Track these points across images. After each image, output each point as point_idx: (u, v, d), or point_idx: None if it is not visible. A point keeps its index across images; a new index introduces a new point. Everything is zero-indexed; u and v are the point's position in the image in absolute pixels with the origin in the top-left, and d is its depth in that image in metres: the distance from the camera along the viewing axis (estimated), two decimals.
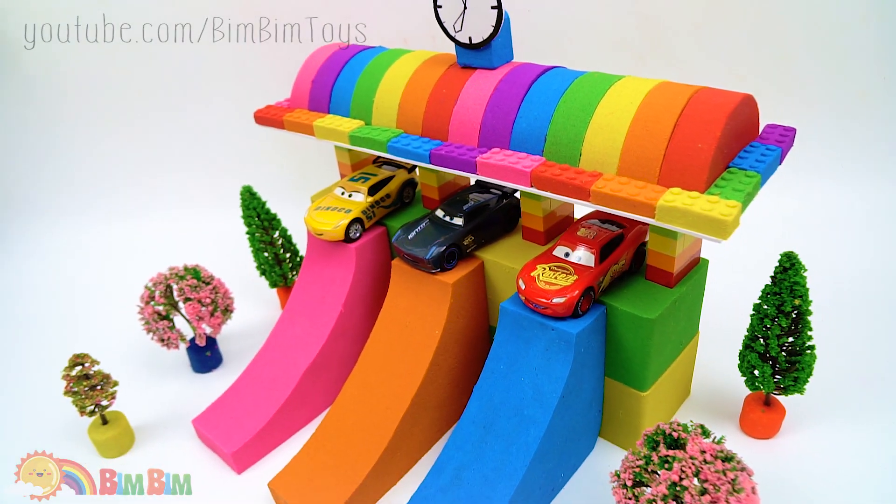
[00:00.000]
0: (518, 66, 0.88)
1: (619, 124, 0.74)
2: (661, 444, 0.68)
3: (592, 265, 0.79)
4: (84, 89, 1.56)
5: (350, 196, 1.02)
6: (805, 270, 0.79)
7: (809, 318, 0.81)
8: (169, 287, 1.07)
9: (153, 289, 1.07)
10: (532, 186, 0.78)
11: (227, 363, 1.16)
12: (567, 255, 0.82)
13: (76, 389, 0.92)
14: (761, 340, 0.84)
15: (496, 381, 0.83)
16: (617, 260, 0.81)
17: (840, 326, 1.08)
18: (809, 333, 0.82)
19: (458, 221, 0.92)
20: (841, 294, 1.16)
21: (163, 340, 1.07)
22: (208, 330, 1.09)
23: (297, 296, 1.06)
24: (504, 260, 0.90)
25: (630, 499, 0.67)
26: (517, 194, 0.98)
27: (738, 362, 0.88)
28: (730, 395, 0.97)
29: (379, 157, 1.14)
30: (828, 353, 0.97)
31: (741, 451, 0.71)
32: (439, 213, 0.95)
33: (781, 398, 0.92)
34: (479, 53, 0.88)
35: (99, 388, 0.94)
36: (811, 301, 0.80)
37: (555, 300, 0.76)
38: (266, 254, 1.20)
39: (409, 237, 0.93)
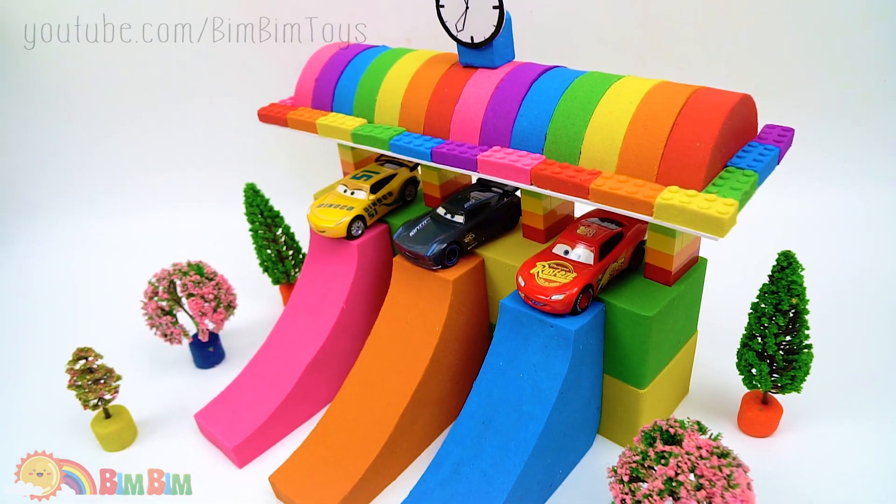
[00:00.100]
0: (519, 65, 0.89)
1: (619, 123, 0.74)
2: (658, 440, 0.69)
3: (591, 263, 0.80)
4: (86, 88, 1.57)
5: (352, 194, 1.03)
6: (802, 270, 0.80)
7: (807, 317, 0.82)
8: (172, 283, 1.08)
9: (157, 284, 1.08)
10: (532, 184, 0.78)
11: (230, 359, 1.17)
12: (566, 252, 0.83)
13: (80, 383, 0.93)
14: (759, 339, 0.85)
15: (495, 378, 0.83)
16: (616, 258, 0.82)
17: (838, 326, 1.08)
18: (807, 332, 0.82)
19: (460, 219, 0.93)
20: (839, 294, 1.16)
21: (166, 336, 1.08)
22: (211, 326, 1.10)
23: (299, 292, 1.07)
24: (504, 257, 0.91)
25: (626, 494, 0.68)
26: (518, 193, 0.99)
27: (736, 361, 0.88)
28: (728, 393, 0.98)
29: (381, 155, 1.15)
30: (826, 352, 0.97)
31: (739, 450, 0.72)
32: (441, 210, 0.96)
33: (779, 397, 0.93)
34: (480, 53, 0.89)
35: (102, 381, 0.95)
36: (808, 300, 0.81)
37: (554, 297, 0.77)
38: (269, 251, 1.21)
39: (411, 234, 0.93)
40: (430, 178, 1.03)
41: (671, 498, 0.65)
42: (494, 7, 0.83)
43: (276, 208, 1.20)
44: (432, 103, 0.92)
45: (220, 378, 1.11)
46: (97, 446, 1.00)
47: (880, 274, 1.22)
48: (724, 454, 0.66)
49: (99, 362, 0.95)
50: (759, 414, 0.89)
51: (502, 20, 0.84)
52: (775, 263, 0.80)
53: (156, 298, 1.07)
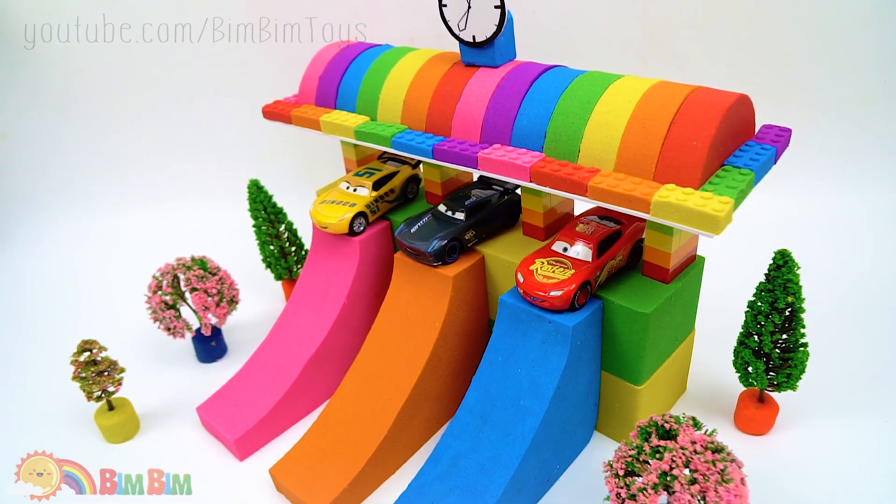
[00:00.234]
0: (520, 64, 0.90)
1: (617, 122, 0.75)
2: (654, 435, 0.70)
3: (590, 260, 0.81)
4: (87, 87, 1.58)
5: (355, 190, 1.04)
6: (798, 268, 0.80)
7: (803, 315, 0.82)
8: (176, 277, 1.09)
9: (161, 278, 1.09)
10: (531, 181, 0.79)
11: (232, 353, 1.18)
12: (565, 249, 0.84)
13: (84, 375, 0.94)
14: (755, 337, 0.85)
15: (494, 372, 0.84)
16: (614, 255, 0.83)
17: (835, 326, 1.09)
18: (802, 331, 0.83)
19: (460, 216, 0.94)
20: (838, 294, 1.17)
21: (169, 329, 1.09)
22: (214, 320, 1.12)
23: (301, 287, 1.08)
24: (504, 254, 0.92)
25: (622, 488, 0.69)
26: (518, 191, 0.99)
27: (733, 358, 0.89)
28: (725, 392, 0.99)
29: (384, 152, 1.16)
30: (823, 352, 0.98)
31: (735, 447, 0.72)
32: (441, 207, 0.97)
33: (775, 395, 0.93)
34: (482, 52, 0.90)
35: (106, 374, 0.96)
36: (804, 299, 0.81)
37: (552, 293, 0.78)
38: (272, 247, 1.22)
39: (412, 231, 0.94)
40: (432, 175, 1.04)
41: (666, 492, 0.66)
42: (496, 7, 0.84)
43: (279, 205, 1.22)
44: (434, 101, 0.93)
45: (222, 372, 1.12)
46: (100, 438, 1.01)
47: (878, 275, 1.22)
48: (718, 449, 0.67)
49: (103, 354, 0.96)
50: (756, 412, 0.90)
51: (503, 20, 0.85)
52: (771, 262, 0.81)
53: (160, 292, 1.08)
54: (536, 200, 0.91)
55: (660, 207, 0.69)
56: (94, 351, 0.95)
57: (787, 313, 0.82)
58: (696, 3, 1.32)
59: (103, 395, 0.97)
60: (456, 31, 0.90)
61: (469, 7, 0.87)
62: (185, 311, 1.19)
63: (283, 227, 1.22)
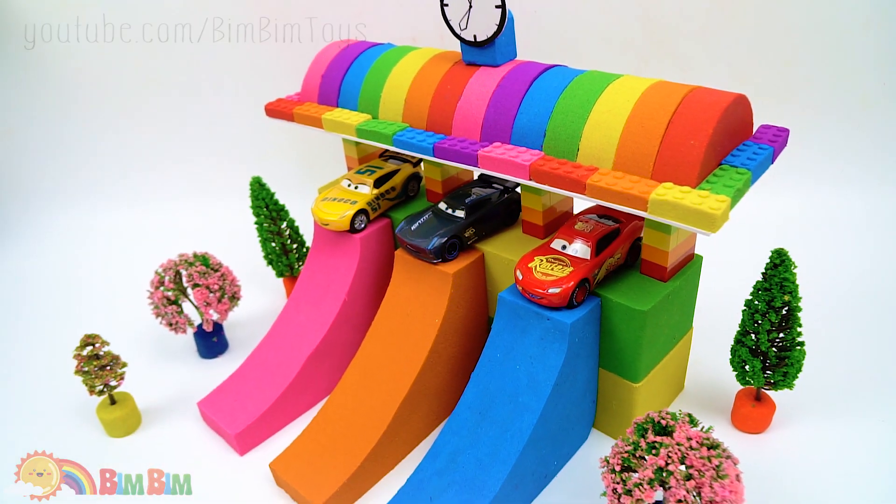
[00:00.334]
0: (520, 63, 0.90)
1: (616, 121, 0.76)
2: (650, 432, 0.70)
3: (588, 258, 0.82)
4: (87, 87, 1.59)
5: (356, 188, 1.05)
6: (795, 267, 0.81)
7: (799, 314, 0.83)
8: (178, 273, 1.10)
9: (163, 274, 1.10)
10: (531, 179, 0.80)
11: (233, 349, 1.19)
12: (564, 247, 0.84)
13: (86, 369, 0.95)
14: (752, 336, 0.86)
15: (492, 369, 0.85)
16: (612, 253, 0.84)
17: (832, 325, 1.10)
18: (799, 330, 0.84)
19: (460, 214, 0.94)
20: (835, 294, 1.18)
21: (171, 325, 1.10)
22: (215, 316, 1.12)
23: (302, 284, 1.09)
24: (504, 252, 0.92)
25: (618, 483, 0.69)
26: (518, 189, 1.00)
27: (730, 357, 0.90)
28: (722, 390, 0.99)
29: (385, 150, 1.17)
30: (820, 351, 0.99)
31: (732, 445, 0.73)
32: (442, 205, 0.97)
33: (772, 394, 0.94)
34: (483, 51, 0.91)
35: (108, 368, 0.97)
36: (801, 298, 0.82)
37: (550, 290, 0.79)
38: (273, 244, 1.22)
39: (412, 228, 0.95)
40: (433, 173, 1.05)
41: (661, 487, 0.67)
42: (497, 7, 0.85)
43: (281, 202, 1.22)
44: (435, 100, 0.93)
45: (223, 367, 1.13)
46: (102, 433, 1.02)
47: (876, 275, 1.23)
48: (713, 445, 0.67)
49: (105, 349, 0.97)
50: (752, 410, 0.91)
51: (504, 19, 0.85)
52: (768, 261, 0.82)
53: (162, 288, 1.09)
54: (536, 199, 0.92)
55: (657, 205, 0.69)
56: (97, 345, 0.95)
57: (784, 312, 0.83)
58: (696, 4, 1.33)
59: (105, 390, 0.98)
60: (457, 30, 0.91)
61: (470, 7, 0.87)
62: (187, 307, 1.20)
63: (284, 224, 1.22)
